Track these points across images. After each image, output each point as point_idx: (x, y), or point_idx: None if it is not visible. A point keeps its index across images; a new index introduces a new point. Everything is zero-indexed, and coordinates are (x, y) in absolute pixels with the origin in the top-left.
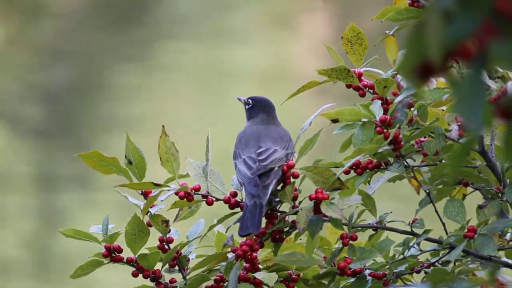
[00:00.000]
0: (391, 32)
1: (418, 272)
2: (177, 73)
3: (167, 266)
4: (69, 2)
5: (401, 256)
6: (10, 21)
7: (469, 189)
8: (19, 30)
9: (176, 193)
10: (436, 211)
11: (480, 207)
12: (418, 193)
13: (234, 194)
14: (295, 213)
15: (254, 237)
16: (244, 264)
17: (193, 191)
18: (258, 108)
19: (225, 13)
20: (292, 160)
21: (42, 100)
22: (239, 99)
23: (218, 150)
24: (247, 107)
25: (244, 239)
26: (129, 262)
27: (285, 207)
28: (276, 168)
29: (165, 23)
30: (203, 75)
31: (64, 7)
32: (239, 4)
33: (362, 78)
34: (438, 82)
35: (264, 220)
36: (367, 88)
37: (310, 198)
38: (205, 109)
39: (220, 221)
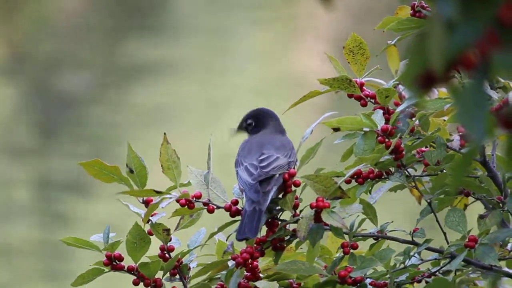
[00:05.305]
0: (393, 42)
1: (419, 281)
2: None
3: (168, 274)
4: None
5: (402, 266)
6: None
7: (471, 199)
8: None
9: (177, 201)
10: (437, 221)
11: (481, 217)
12: (420, 202)
13: (235, 202)
14: (296, 222)
15: (255, 244)
16: (245, 273)
17: (194, 199)
18: (263, 122)
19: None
20: (294, 168)
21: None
22: (233, 133)
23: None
24: (250, 128)
25: (244, 246)
26: (130, 270)
27: (286, 215)
28: (277, 175)
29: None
30: (204, 86)
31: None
32: (240, 14)
33: (364, 88)
34: (439, 92)
35: (264, 228)
36: (368, 98)
37: (311, 207)
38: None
39: (220, 229)
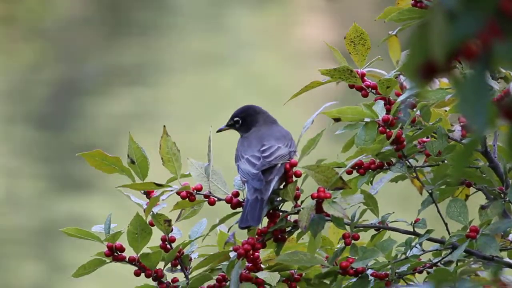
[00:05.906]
0: (394, 33)
1: (420, 272)
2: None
3: (169, 265)
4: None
5: (403, 256)
6: None
7: (472, 189)
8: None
9: (178, 193)
10: (439, 212)
11: (482, 207)
12: (421, 193)
13: (236, 194)
14: (297, 212)
15: (256, 236)
16: (246, 263)
17: (195, 191)
18: (251, 118)
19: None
20: (294, 158)
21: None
22: (220, 130)
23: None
24: (237, 126)
25: (246, 237)
26: (131, 261)
27: (287, 206)
28: (279, 165)
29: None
30: (201, 73)
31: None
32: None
33: (365, 78)
34: (441, 82)
35: (266, 219)
36: (370, 89)
37: (312, 197)
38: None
39: (222, 221)
